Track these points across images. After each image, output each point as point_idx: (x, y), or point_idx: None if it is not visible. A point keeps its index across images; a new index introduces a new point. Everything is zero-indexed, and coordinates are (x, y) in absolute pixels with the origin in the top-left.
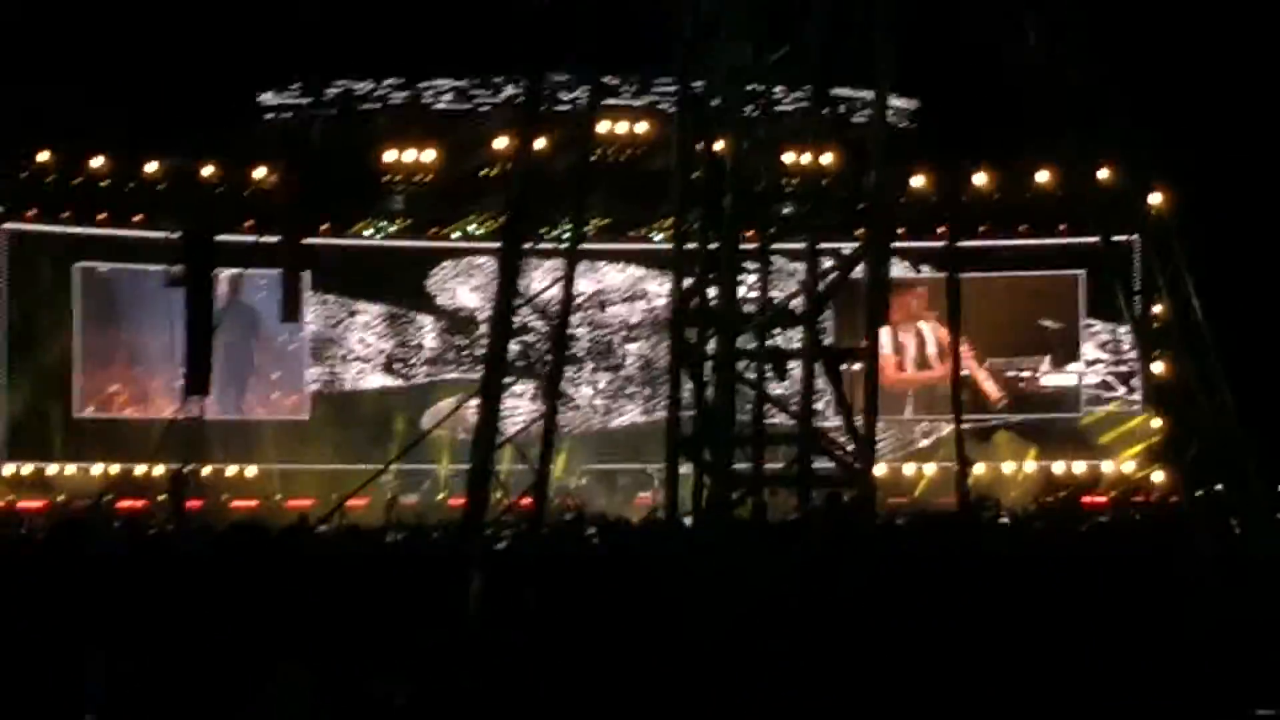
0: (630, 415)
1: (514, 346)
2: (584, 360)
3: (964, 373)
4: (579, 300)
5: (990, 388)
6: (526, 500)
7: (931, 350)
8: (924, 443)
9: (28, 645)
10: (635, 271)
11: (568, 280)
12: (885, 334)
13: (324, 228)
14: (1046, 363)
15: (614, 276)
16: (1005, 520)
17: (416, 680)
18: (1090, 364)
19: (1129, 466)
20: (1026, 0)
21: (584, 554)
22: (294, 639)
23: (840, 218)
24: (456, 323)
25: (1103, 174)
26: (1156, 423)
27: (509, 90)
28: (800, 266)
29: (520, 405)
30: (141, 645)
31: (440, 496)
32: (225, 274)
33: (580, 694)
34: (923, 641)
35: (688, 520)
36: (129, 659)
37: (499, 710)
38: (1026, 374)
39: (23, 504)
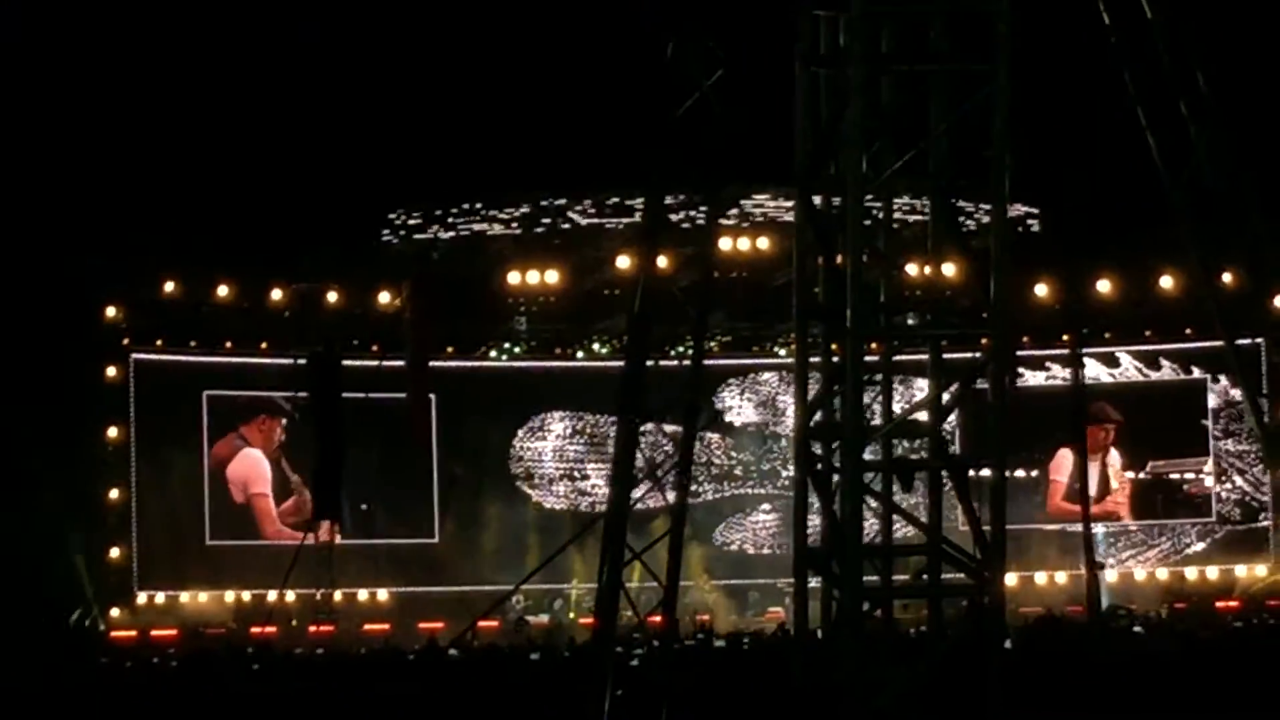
0: (764, 530)
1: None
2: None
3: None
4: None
5: (1123, 504)
6: (656, 618)
7: (1113, 484)
8: (1151, 553)
9: None
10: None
11: (692, 395)
12: (1070, 462)
13: (449, 350)
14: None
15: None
16: (1139, 629)
17: None
18: (1220, 470)
19: (1262, 570)
20: (1149, 107)
21: (715, 668)
22: None
23: (963, 327)
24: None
25: (1226, 277)
26: None
27: (632, 208)
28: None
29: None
30: None
31: (571, 616)
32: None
33: None
34: None
35: (818, 634)
36: None
37: None
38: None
39: (156, 632)
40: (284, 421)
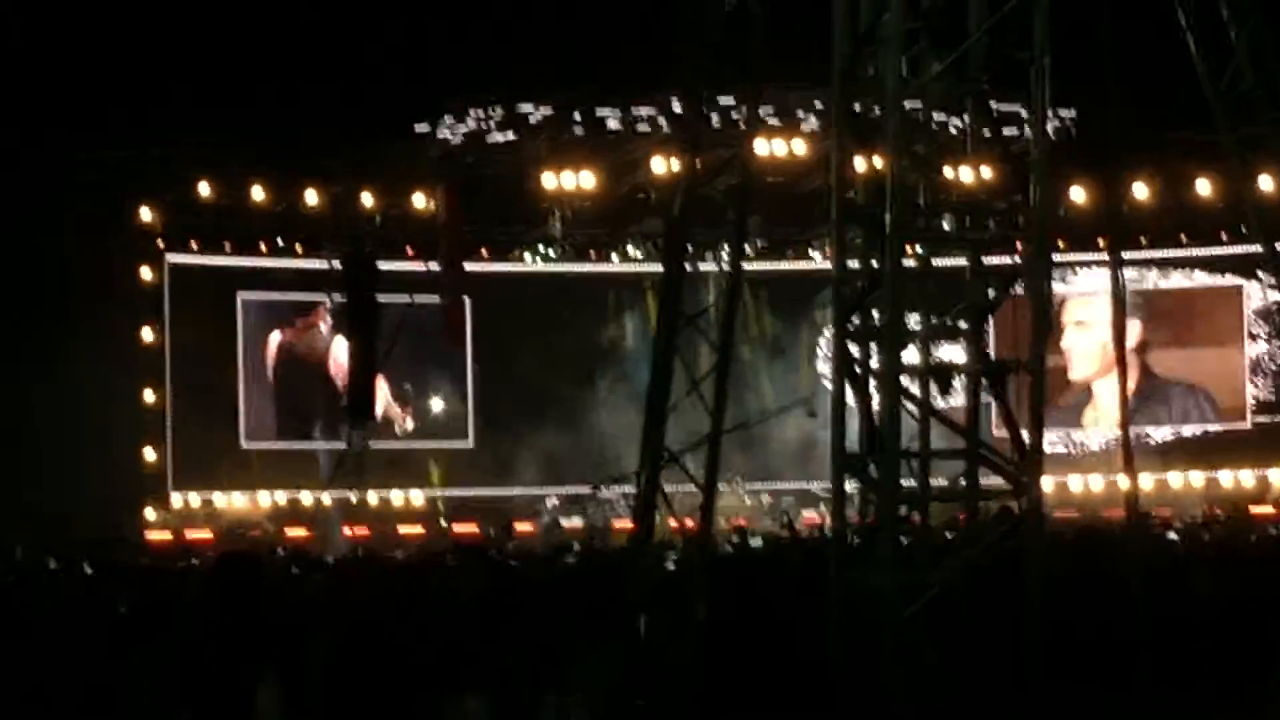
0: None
1: None
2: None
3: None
4: None
5: None
6: (689, 521)
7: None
8: None
9: (199, 674)
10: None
11: (731, 299)
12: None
13: (483, 253)
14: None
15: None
16: (1174, 537)
17: (589, 702)
18: (1254, 374)
19: None
20: (1190, 9)
21: (750, 571)
22: (467, 665)
23: (1000, 232)
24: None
25: (1264, 181)
26: None
27: (669, 111)
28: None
29: None
30: (316, 675)
31: (607, 519)
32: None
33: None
34: (1091, 652)
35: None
36: (302, 688)
37: None
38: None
39: (191, 534)
40: (326, 305)
